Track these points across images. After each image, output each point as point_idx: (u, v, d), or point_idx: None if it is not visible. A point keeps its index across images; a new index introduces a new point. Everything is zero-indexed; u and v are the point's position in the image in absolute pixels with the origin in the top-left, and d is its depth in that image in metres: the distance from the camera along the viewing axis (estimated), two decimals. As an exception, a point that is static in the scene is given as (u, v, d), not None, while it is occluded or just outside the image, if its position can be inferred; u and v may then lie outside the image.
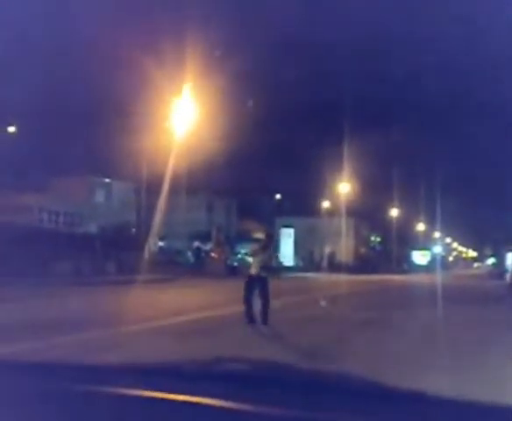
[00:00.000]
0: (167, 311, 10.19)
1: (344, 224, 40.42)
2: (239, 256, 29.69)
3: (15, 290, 12.34)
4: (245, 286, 8.76)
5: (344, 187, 40.05)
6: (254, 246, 9.46)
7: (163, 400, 1.11)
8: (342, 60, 25.80)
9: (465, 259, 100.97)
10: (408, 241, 55.62)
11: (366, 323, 9.58)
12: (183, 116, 19.78)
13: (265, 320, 8.48)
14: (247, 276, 8.99)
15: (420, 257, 54.09)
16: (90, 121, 23.03)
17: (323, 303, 12.40)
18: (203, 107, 19.63)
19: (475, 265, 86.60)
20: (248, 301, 8.64)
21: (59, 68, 20.21)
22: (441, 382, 4.21)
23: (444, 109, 32.56)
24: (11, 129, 26.40)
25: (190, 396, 1.09)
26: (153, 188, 22.95)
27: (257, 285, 8.70)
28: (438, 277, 25.91)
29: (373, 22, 21.10)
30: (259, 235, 11.65)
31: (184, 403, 1.09)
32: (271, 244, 9.91)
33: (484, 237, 63.46)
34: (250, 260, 9.96)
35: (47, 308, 9.98)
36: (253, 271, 8.87)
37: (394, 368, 5.08)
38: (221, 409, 1.06)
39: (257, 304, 8.64)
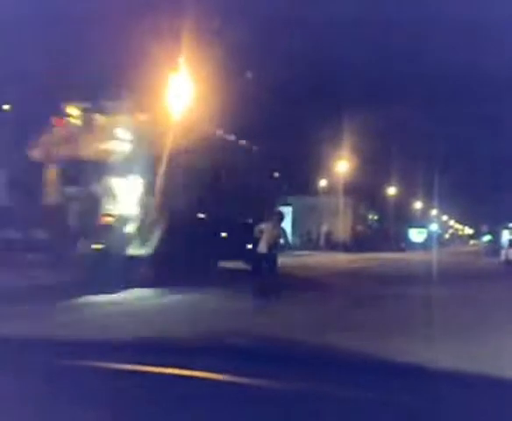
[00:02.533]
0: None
1: (341, 202, 40.44)
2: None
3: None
4: (255, 265, 8.85)
5: (342, 165, 39.95)
6: (263, 225, 9.41)
7: (162, 374, 1.12)
8: (341, 35, 25.48)
9: (461, 236, 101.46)
10: (406, 219, 55.76)
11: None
12: (181, 94, 19.54)
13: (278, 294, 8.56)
14: (257, 254, 9.04)
15: (417, 235, 54.30)
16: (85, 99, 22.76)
17: None
18: (200, 83, 19.40)
19: (471, 242, 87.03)
20: None
21: (53, 46, 19.90)
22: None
23: (443, 86, 32.32)
24: (6, 107, 26.07)
25: (190, 371, 1.10)
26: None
27: (264, 262, 8.77)
28: (434, 255, 26.09)
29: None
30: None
31: (184, 377, 1.10)
32: (280, 222, 9.74)
33: (480, 214, 63.67)
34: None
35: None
36: (263, 249, 8.92)
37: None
38: (221, 383, 1.07)
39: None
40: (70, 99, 11.56)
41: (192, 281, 9.90)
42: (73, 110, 11.26)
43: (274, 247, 8.97)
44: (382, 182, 48.51)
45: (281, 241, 9.42)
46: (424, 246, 46.24)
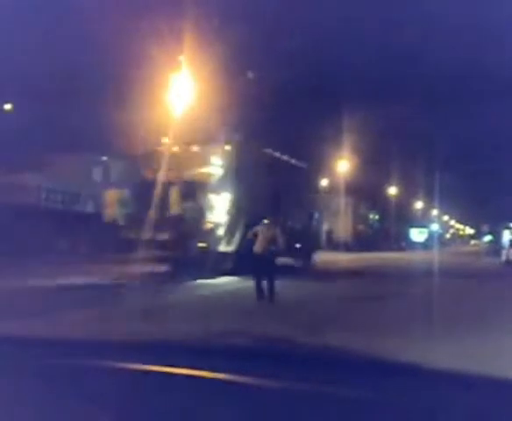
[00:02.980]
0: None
1: (342, 202, 40.40)
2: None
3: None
4: (253, 264, 8.83)
5: (343, 165, 39.92)
6: (258, 227, 9.47)
7: (166, 374, 1.13)
8: (341, 36, 25.46)
9: (462, 236, 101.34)
10: (407, 219, 55.73)
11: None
12: (182, 91, 19.54)
13: (271, 298, 8.55)
14: (253, 255, 9.04)
15: (417, 235, 54.26)
16: (86, 98, 22.78)
17: None
18: (202, 81, 19.40)
19: (472, 242, 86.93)
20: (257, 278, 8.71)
21: (54, 44, 19.91)
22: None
23: (445, 86, 32.29)
24: (7, 107, 26.10)
25: (194, 370, 1.11)
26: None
27: (262, 264, 8.77)
28: (435, 254, 26.08)
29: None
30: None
31: (188, 376, 1.11)
32: (276, 224, 9.79)
33: (481, 214, 63.63)
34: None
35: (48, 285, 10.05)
36: (258, 249, 8.90)
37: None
38: (224, 382, 1.08)
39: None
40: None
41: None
42: (180, 145, 15.18)
43: (273, 246, 8.94)
44: (383, 182, 48.49)
45: (280, 241, 9.33)
46: (425, 245, 46.23)
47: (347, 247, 36.48)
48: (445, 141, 42.85)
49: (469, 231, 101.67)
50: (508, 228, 34.76)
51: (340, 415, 1.02)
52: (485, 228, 53.38)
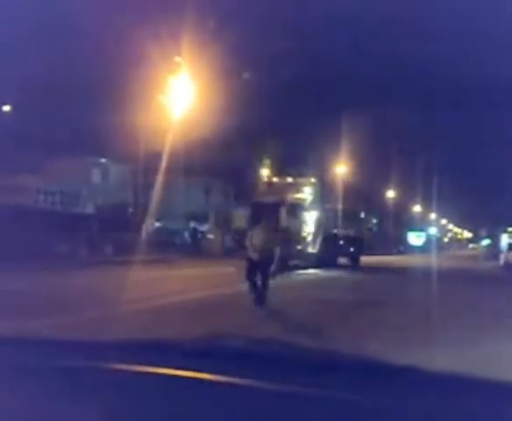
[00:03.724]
0: (166, 291, 10.25)
1: (340, 205, 40.33)
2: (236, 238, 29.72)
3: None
4: (247, 267, 8.81)
5: (341, 168, 39.92)
6: (249, 232, 9.50)
7: (161, 375, 1.13)
8: (341, 36, 25.50)
9: (460, 240, 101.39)
10: (405, 223, 55.76)
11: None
12: (180, 94, 19.56)
13: (262, 301, 8.55)
14: (247, 258, 9.02)
15: (415, 238, 54.28)
16: (85, 100, 22.77)
17: None
18: (201, 84, 19.43)
19: (470, 246, 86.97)
20: (252, 282, 8.72)
21: (52, 46, 19.89)
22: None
23: (443, 91, 32.37)
24: (6, 108, 26.08)
25: (188, 372, 1.11)
26: (150, 168, 22.79)
27: (257, 267, 8.75)
28: (433, 258, 26.09)
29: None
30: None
31: (182, 378, 1.11)
32: (271, 225, 9.86)
33: (479, 218, 63.75)
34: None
35: (48, 288, 10.02)
36: (254, 256, 8.88)
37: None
38: (219, 383, 1.08)
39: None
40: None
41: (331, 267, 19.46)
42: (279, 177, 23.07)
43: (272, 247, 8.90)
44: (382, 186, 48.52)
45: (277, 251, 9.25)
46: (423, 249, 46.27)
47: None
48: (443, 145, 42.97)
49: (467, 234, 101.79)
50: (507, 232, 34.82)
51: (340, 417, 1.02)
52: (483, 232, 53.44)
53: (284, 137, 31.94)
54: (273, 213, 17.74)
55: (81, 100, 22.89)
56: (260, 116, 24.74)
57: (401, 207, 53.56)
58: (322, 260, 19.47)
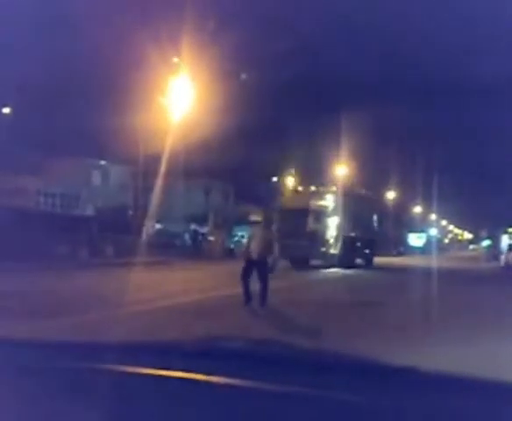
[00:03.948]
0: (166, 293, 10.25)
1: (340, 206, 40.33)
2: (236, 239, 29.78)
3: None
4: (244, 267, 8.83)
5: (342, 169, 39.91)
6: (249, 233, 9.58)
7: (161, 377, 1.13)
8: (340, 37, 25.53)
9: (460, 241, 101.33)
10: (405, 224, 55.72)
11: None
12: (180, 96, 19.56)
13: (263, 302, 8.55)
14: (246, 258, 9.04)
15: (416, 239, 54.26)
16: (85, 102, 22.79)
17: None
18: (201, 86, 19.43)
19: (471, 247, 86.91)
20: (245, 282, 8.73)
21: (52, 48, 19.91)
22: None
23: (443, 91, 32.36)
24: (6, 110, 26.10)
25: (188, 373, 1.11)
26: (150, 170, 22.80)
27: (256, 268, 8.75)
28: (434, 259, 26.10)
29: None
30: (257, 218, 12.27)
31: (182, 379, 1.11)
32: (269, 226, 9.97)
33: (479, 219, 63.70)
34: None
35: (49, 289, 10.02)
36: (254, 256, 8.90)
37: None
38: (218, 384, 1.09)
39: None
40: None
41: (350, 267, 21.11)
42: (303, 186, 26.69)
43: (269, 253, 8.89)
44: (382, 187, 48.48)
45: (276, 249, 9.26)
46: (423, 250, 46.25)
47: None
48: (444, 146, 42.96)
49: (467, 235, 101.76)
50: (507, 233, 34.79)
51: (339, 418, 1.02)
52: (483, 233, 53.38)
53: (284, 137, 32.01)
54: (301, 218, 21.13)
55: (81, 102, 22.91)
56: (260, 116, 24.77)
57: (401, 208, 53.51)
58: (342, 261, 21.39)
